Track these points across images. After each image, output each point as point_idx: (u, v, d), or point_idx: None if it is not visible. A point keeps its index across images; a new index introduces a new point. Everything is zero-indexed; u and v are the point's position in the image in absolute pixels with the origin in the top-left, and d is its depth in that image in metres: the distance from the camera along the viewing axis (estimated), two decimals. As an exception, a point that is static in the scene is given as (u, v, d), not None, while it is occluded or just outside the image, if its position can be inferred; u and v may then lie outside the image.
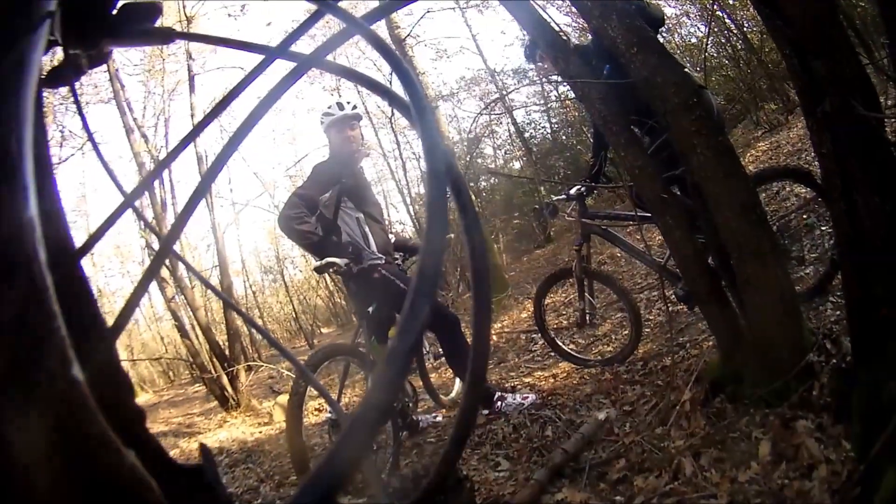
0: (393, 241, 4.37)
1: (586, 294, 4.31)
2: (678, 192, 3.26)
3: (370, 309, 3.97)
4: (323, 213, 3.89)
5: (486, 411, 3.84)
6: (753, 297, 2.42)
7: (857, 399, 1.97)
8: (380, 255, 3.96)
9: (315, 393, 5.00)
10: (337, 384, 3.94)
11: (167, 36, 0.68)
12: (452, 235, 5.40)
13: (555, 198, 4.40)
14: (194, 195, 0.67)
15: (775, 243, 2.53)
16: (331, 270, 3.75)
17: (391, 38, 12.04)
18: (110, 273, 23.82)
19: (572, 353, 4.58)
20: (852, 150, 1.82)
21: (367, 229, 4.02)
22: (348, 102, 4.13)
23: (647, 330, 4.48)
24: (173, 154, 0.72)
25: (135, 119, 11.49)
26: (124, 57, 11.80)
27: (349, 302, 4.34)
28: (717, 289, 2.65)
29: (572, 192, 4.17)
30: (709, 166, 2.42)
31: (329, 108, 4.14)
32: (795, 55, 1.90)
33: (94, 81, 13.44)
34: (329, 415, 3.72)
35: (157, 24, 0.68)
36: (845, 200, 1.89)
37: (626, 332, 4.30)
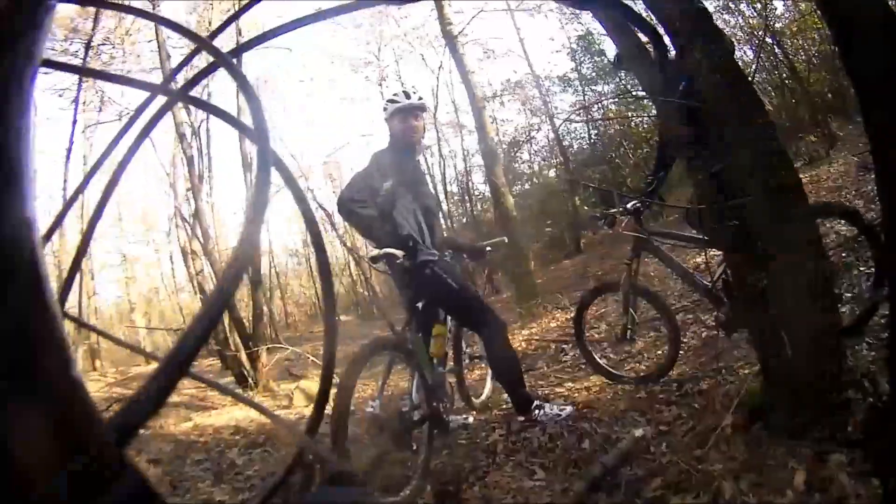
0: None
1: (630, 309, 4.28)
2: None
3: (419, 305, 3.91)
4: (381, 202, 3.79)
5: (521, 417, 3.84)
6: (802, 329, 2.47)
7: (890, 436, 2.05)
8: (434, 251, 3.87)
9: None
10: (380, 377, 3.84)
11: None
12: (506, 239, 5.26)
13: (612, 210, 4.39)
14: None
15: (830, 280, 2.60)
16: (385, 262, 3.73)
17: (443, 34, 11.85)
18: (133, 239, 24.02)
19: (606, 366, 4.56)
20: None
21: (423, 223, 3.95)
22: (415, 92, 4.06)
23: (681, 352, 4.50)
24: (75, 195, 0.81)
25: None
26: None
27: (401, 293, 4.17)
28: (769, 317, 2.68)
29: (629, 206, 4.17)
30: (775, 198, 2.48)
31: (395, 95, 4.06)
32: (874, 113, 1.97)
33: (136, 51, 13.74)
34: (371, 408, 3.69)
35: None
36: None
37: (661, 351, 4.34)
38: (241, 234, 0.43)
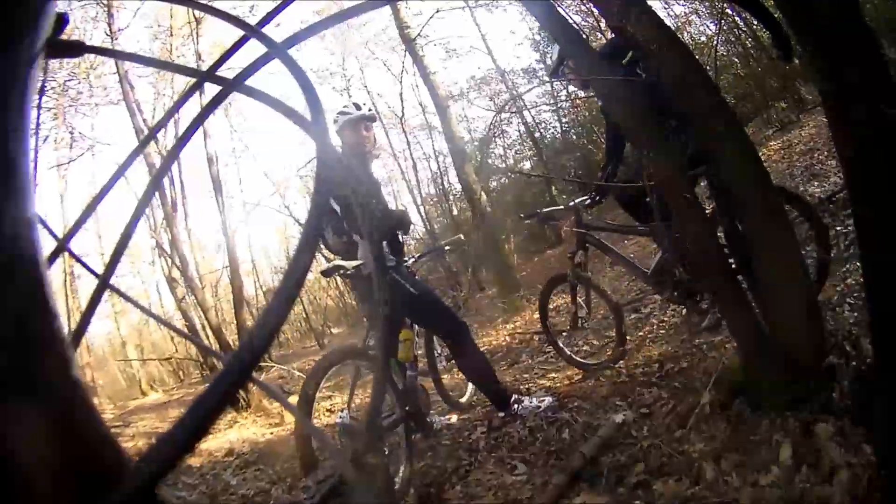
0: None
1: (579, 299, 4.48)
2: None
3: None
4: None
5: (501, 413, 3.83)
6: (775, 298, 2.40)
7: (878, 403, 1.95)
8: (390, 258, 3.88)
9: (325, 394, 4.92)
10: (348, 387, 3.87)
11: (76, 50, 0.64)
12: (462, 237, 5.30)
13: (547, 209, 4.54)
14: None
15: (799, 247, 2.51)
16: (339, 273, 3.70)
17: (401, 39, 11.97)
18: (121, 273, 23.99)
19: (573, 356, 4.72)
20: (881, 156, 1.80)
21: None
22: (364, 103, 4.06)
23: (661, 331, 4.52)
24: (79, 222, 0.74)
25: (144, 120, 11.57)
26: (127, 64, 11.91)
27: (359, 303, 4.28)
28: (738, 290, 2.60)
29: (570, 204, 4.36)
30: (737, 170, 2.42)
31: (345, 107, 4.03)
32: (824, 59, 1.88)
33: (103, 83, 13.59)
34: (340, 418, 3.67)
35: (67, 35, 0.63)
36: (870, 205, 1.87)
37: (628, 336, 4.38)
38: (300, 237, 0.40)
